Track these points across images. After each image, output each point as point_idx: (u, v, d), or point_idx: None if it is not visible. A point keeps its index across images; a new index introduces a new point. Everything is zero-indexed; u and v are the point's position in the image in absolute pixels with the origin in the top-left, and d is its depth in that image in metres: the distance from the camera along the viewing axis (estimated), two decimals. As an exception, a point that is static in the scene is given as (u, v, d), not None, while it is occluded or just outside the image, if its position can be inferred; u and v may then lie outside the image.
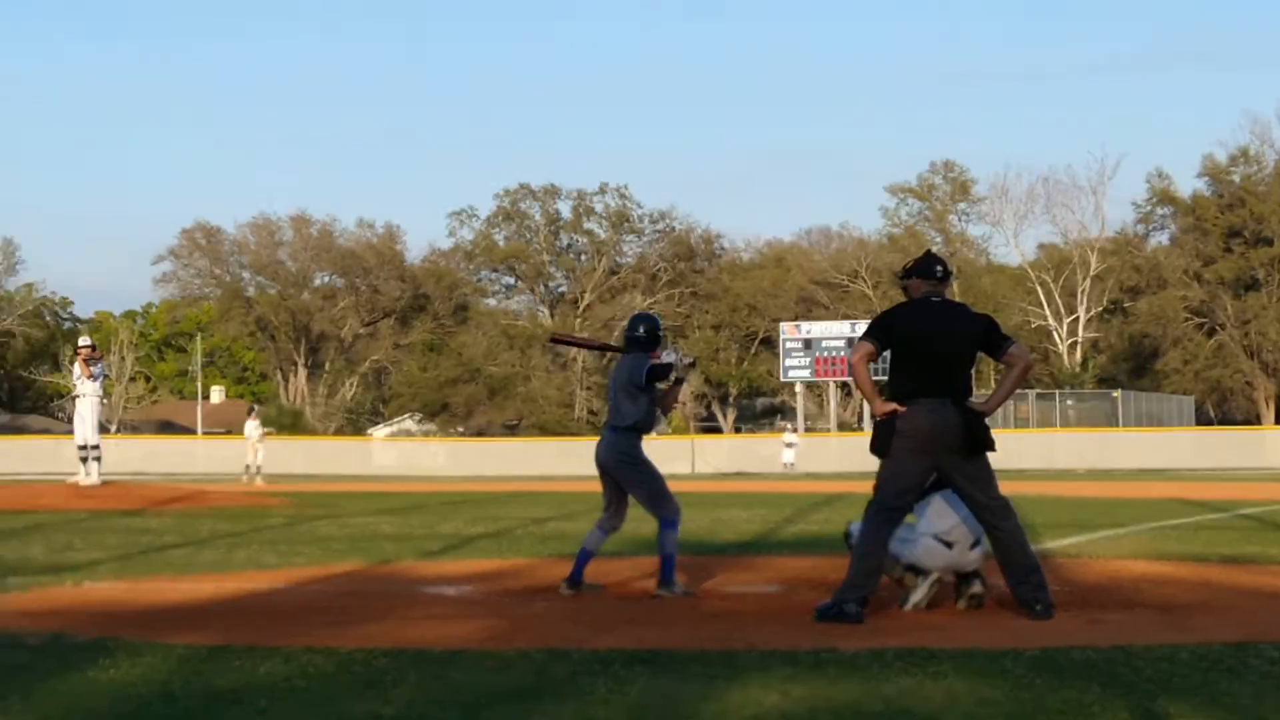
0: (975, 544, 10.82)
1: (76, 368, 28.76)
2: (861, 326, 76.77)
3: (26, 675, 8.06)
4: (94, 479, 28.03)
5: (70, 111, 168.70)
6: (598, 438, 12.52)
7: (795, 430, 71.50)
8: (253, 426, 49.96)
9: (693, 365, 12.65)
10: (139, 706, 7.20)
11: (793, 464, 63.50)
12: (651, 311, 14.54)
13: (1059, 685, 7.47)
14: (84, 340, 29.55)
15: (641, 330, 12.31)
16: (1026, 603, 10.39)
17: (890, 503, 10.51)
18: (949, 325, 10.60)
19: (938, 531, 10.83)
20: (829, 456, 65.29)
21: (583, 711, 6.90)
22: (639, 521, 12.98)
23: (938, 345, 10.46)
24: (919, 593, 10.85)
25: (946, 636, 9.29)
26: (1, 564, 15.25)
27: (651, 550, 12.41)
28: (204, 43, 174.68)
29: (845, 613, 10.12)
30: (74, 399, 29.03)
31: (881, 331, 10.60)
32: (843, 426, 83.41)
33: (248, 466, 48.62)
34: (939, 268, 10.81)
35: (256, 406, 54.29)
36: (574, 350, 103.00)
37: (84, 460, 28.21)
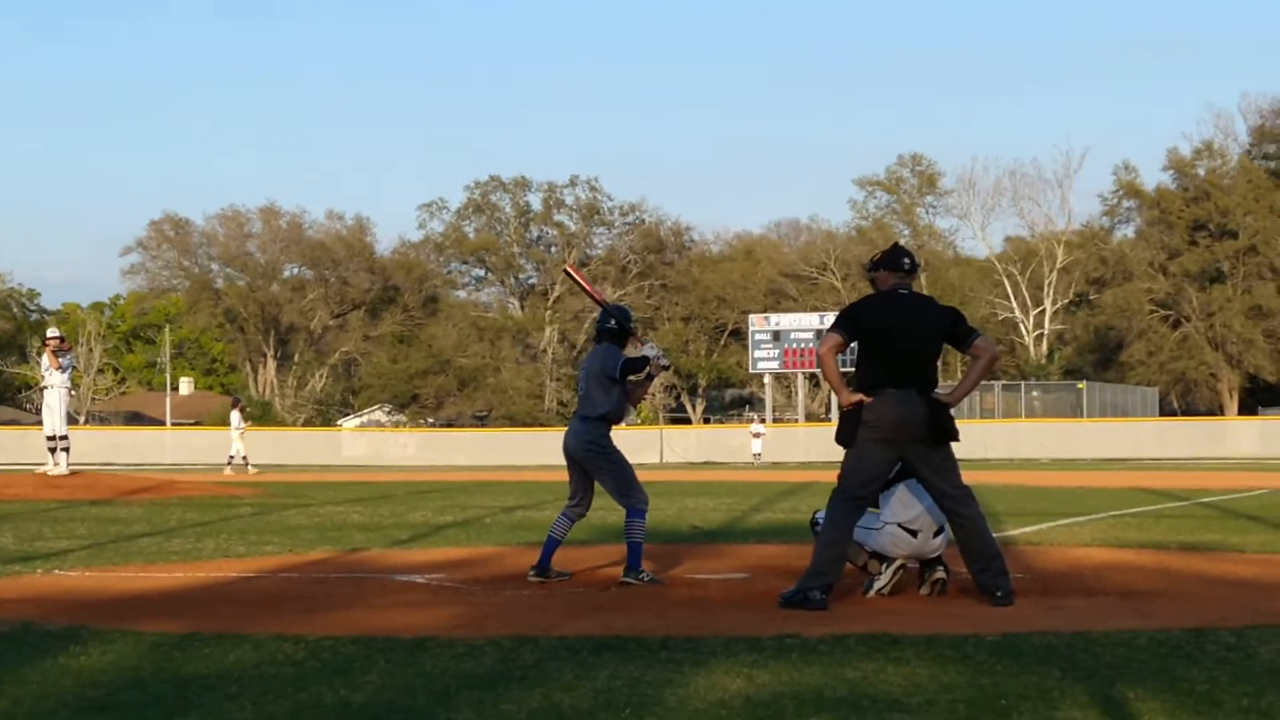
0: (938, 532, 10.94)
1: (45, 359, 28.70)
2: (830, 318, 76.73)
3: (-3, 662, 8.11)
4: (63, 469, 28.01)
5: (37, 103, 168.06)
6: (565, 428, 12.60)
7: (763, 421, 71.60)
8: (237, 418, 49.94)
9: (667, 368, 12.72)
10: (110, 693, 7.25)
11: (760, 454, 63.63)
12: (623, 303, 14.64)
13: (1019, 670, 7.56)
14: (52, 331, 29.51)
15: (613, 322, 12.38)
16: (988, 589, 10.50)
17: (854, 492, 10.61)
18: (915, 317, 10.70)
19: (902, 520, 10.95)
20: (796, 447, 65.43)
21: (549, 697, 6.97)
22: (606, 510, 13.07)
23: (904, 337, 10.55)
24: (883, 579, 10.97)
25: (909, 622, 9.39)
26: (-29, 554, 15.27)
27: (619, 538, 12.50)
28: (171, 32, 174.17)
29: (810, 599, 10.22)
30: (42, 390, 28.99)
31: (849, 323, 10.70)
32: (810, 417, 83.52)
33: (231, 457, 48.57)
34: (906, 260, 10.91)
35: (240, 399, 54.25)
36: (544, 340, 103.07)
37: (52, 450, 28.18)
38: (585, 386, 12.34)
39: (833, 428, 11.03)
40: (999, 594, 10.41)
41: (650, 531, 12.51)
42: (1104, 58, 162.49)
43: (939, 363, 10.95)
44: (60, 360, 28.11)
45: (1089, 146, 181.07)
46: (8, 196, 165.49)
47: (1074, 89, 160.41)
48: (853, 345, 10.79)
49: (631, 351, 12.36)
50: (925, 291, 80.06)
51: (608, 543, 15.14)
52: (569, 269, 13.95)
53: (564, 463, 12.41)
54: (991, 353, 10.82)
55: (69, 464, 28.39)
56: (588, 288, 13.14)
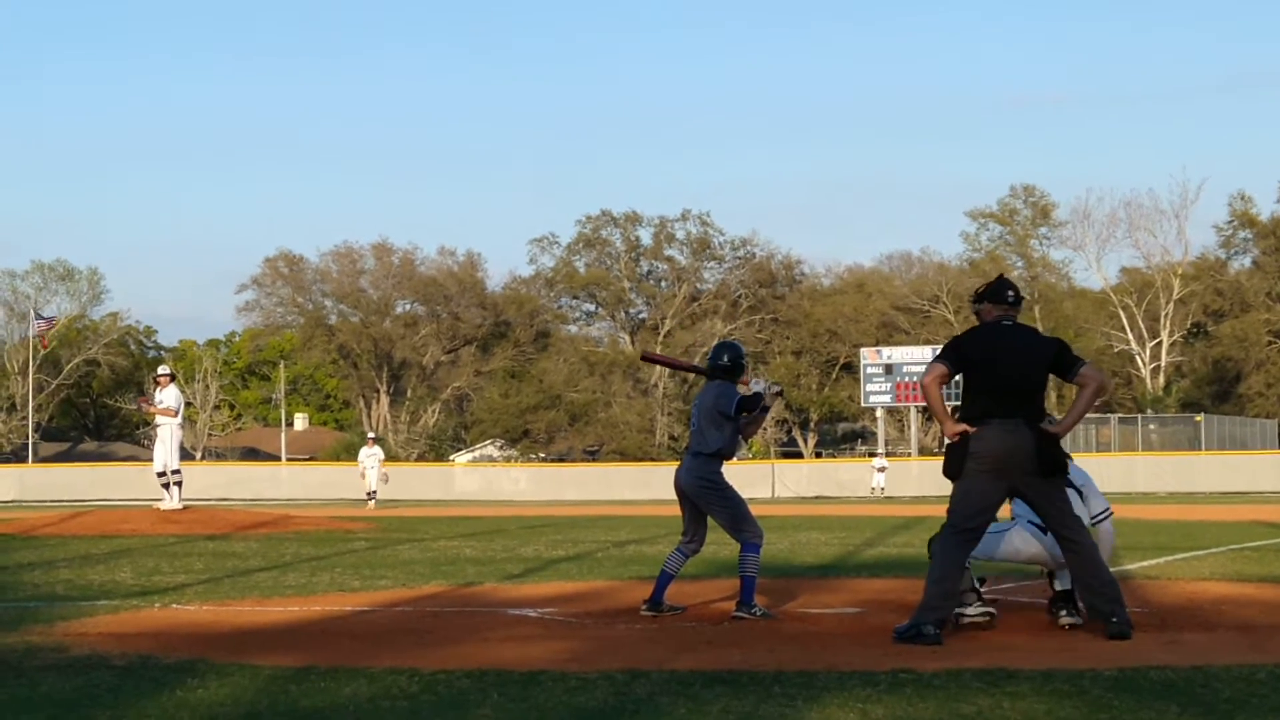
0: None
1: (156, 394, 29.03)
2: (942, 351, 76.75)
3: (116, 696, 8.20)
4: (175, 503, 28.26)
5: (154, 142, 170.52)
6: (678, 463, 12.62)
7: (884, 455, 71.32)
8: (367, 454, 50.80)
9: (780, 394, 12.73)
10: (227, 725, 7.33)
11: (883, 488, 63.38)
12: (734, 339, 14.62)
13: (1137, 705, 7.48)
14: (162, 369, 29.94)
15: (725, 359, 12.41)
16: (1102, 615, 10.40)
17: (963, 524, 10.56)
18: (1020, 348, 10.66)
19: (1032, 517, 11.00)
20: (909, 481, 65.04)
21: (662, 730, 6.98)
22: (719, 545, 13.03)
23: (1009, 368, 10.51)
24: (971, 611, 10.93)
25: (1025, 657, 9.31)
26: (90, 587, 15.47)
27: (731, 572, 12.47)
28: (287, 72, 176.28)
29: (924, 634, 10.16)
30: (155, 426, 29.27)
31: (953, 354, 10.69)
32: (923, 451, 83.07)
33: (372, 493, 49.41)
34: (1010, 292, 10.90)
35: (373, 435, 55.07)
36: (655, 374, 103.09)
37: (165, 486, 28.44)
38: (698, 423, 12.36)
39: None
40: (1113, 620, 10.30)
41: (763, 566, 12.48)
42: (1219, 88, 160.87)
43: (1050, 395, 10.92)
44: (160, 395, 28.48)
45: (1206, 177, 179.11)
46: (125, 234, 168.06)
47: (1190, 119, 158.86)
48: (957, 379, 10.75)
49: (743, 390, 12.36)
50: (1040, 324, 79.43)
51: (720, 577, 15.11)
52: (646, 356, 14.00)
53: (675, 497, 12.42)
54: (1099, 380, 10.75)
55: (181, 499, 28.65)
56: (668, 361, 13.15)
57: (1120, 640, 10.12)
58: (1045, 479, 10.52)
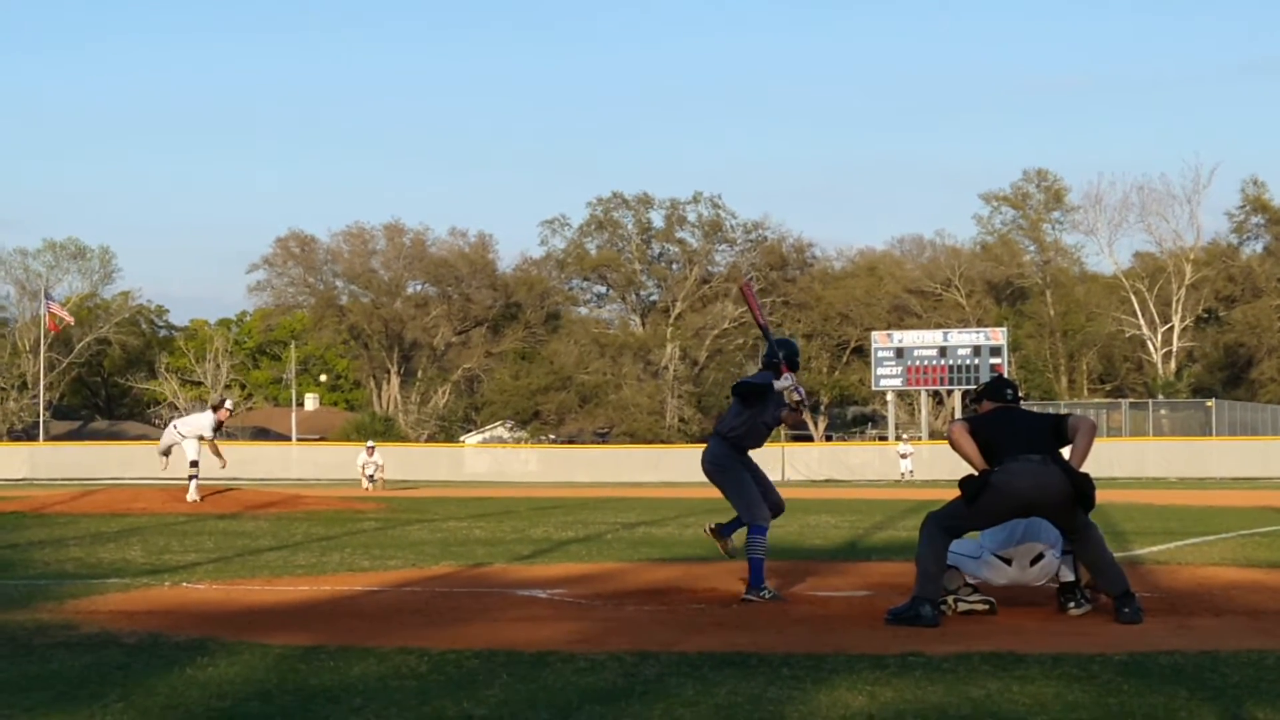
0: (1036, 559, 11.03)
1: (213, 420, 28.96)
2: (954, 335, 76.44)
3: (125, 674, 8.22)
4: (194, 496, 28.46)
5: (166, 121, 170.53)
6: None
7: (908, 440, 71.36)
8: (365, 460, 51.32)
9: (799, 403, 12.53)
10: (236, 704, 7.33)
11: (912, 471, 63.43)
12: (793, 338, 14.59)
13: (1146, 690, 7.47)
14: (229, 403, 30.16)
15: (780, 357, 12.43)
16: (1114, 598, 10.46)
17: (952, 525, 10.73)
18: (1025, 424, 10.86)
19: (997, 549, 11.10)
20: (920, 464, 65.01)
21: (670, 712, 6.97)
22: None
23: (1022, 438, 10.66)
24: (972, 598, 10.98)
25: (1034, 641, 9.31)
26: (101, 565, 15.51)
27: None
28: (299, 51, 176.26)
29: (921, 616, 10.20)
30: (197, 438, 29.10)
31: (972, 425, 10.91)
32: (934, 435, 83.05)
33: (371, 476, 49.88)
34: (1009, 391, 11.19)
35: (371, 444, 55.54)
36: (666, 357, 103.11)
37: (191, 479, 28.56)
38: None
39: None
40: (1125, 610, 10.32)
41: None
42: (1233, 73, 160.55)
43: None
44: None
45: (1219, 163, 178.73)
46: (137, 212, 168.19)
47: (1203, 104, 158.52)
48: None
49: (777, 383, 12.36)
50: (1051, 309, 79.67)
51: (729, 560, 15.14)
52: (745, 289, 13.84)
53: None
54: (1090, 422, 10.97)
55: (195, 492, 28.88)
56: (755, 310, 13.06)
57: (1130, 625, 10.13)
58: (1074, 508, 10.63)
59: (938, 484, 50.24)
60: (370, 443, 55.26)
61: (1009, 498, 10.46)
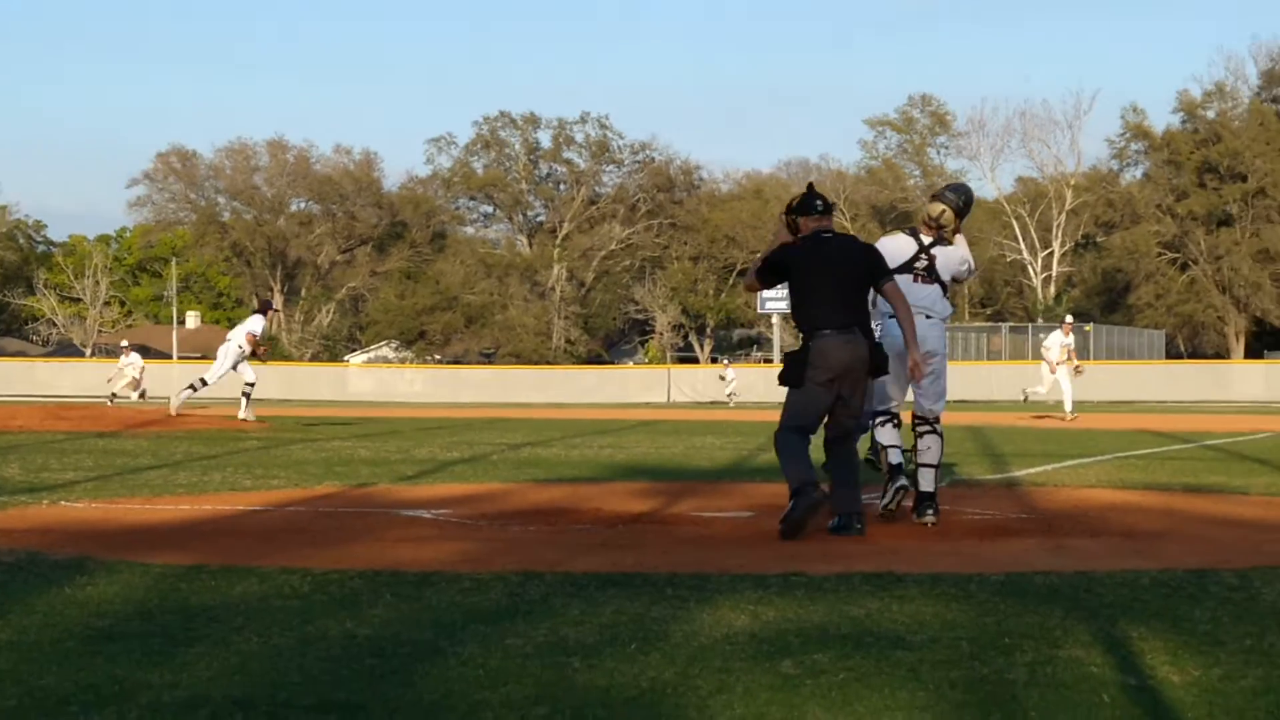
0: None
1: (260, 324, 29.14)
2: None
3: (3, 592, 8.12)
4: (245, 412, 29.42)
5: (44, 32, 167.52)
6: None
7: (729, 364, 72.51)
8: (126, 363, 50.95)
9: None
10: (116, 624, 7.26)
11: (734, 394, 63.95)
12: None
13: (1023, 609, 7.57)
14: (276, 304, 30.72)
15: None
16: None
17: (795, 424, 11.03)
18: (839, 258, 10.99)
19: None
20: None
21: (556, 632, 6.99)
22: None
23: (834, 277, 10.87)
24: (886, 497, 11.37)
25: (914, 561, 9.42)
26: (-22, 484, 15.32)
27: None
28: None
29: (808, 499, 10.61)
30: (239, 348, 29.30)
31: (771, 266, 11.20)
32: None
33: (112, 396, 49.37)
34: (819, 202, 11.20)
35: (126, 344, 55.02)
36: (553, 278, 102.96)
37: (246, 395, 29.56)
38: None
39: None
40: (857, 525, 10.89)
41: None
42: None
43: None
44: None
45: (1099, 89, 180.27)
46: (12, 127, 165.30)
47: (1085, 30, 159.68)
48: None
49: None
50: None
51: (619, 479, 15.17)
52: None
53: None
54: (903, 298, 11.12)
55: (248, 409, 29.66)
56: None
57: (844, 535, 10.72)
58: (868, 379, 11.04)
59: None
60: (125, 342, 54.88)
61: (824, 370, 10.75)
